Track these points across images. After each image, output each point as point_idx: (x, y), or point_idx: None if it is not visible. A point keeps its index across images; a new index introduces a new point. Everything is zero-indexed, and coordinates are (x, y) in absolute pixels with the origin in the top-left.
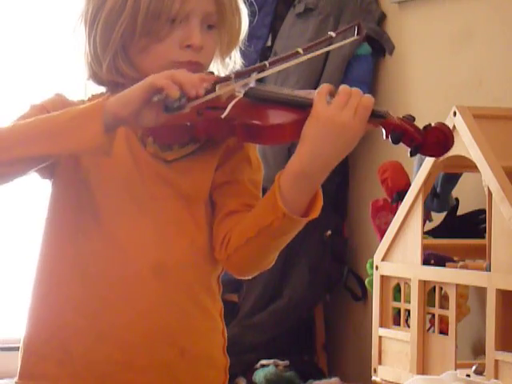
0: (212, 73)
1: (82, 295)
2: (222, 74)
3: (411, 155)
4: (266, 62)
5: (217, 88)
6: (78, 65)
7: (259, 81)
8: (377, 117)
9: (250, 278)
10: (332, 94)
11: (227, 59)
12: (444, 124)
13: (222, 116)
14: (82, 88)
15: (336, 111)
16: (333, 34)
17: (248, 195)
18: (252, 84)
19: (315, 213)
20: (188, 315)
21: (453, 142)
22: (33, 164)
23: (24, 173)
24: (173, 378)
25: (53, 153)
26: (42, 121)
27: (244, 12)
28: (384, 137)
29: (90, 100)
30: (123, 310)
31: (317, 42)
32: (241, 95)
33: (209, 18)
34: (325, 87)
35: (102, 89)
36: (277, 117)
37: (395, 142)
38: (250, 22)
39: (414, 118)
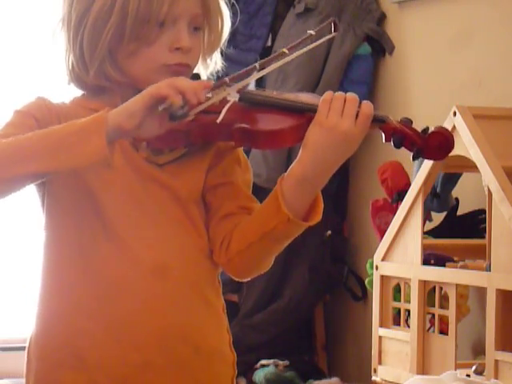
0: (198, 75)
1: (92, 299)
2: (204, 76)
3: (414, 159)
4: (257, 64)
5: (215, 93)
6: (58, 68)
7: (257, 85)
8: (377, 121)
9: (247, 280)
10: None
11: (208, 60)
12: (444, 127)
13: (218, 121)
14: (62, 90)
15: (338, 119)
16: (312, 32)
17: (243, 197)
18: (247, 88)
19: (317, 216)
20: (197, 312)
21: (453, 144)
22: (33, 179)
23: (23, 188)
24: (190, 375)
25: (55, 169)
26: (42, 136)
27: (226, 14)
28: (384, 140)
29: (71, 103)
30: (134, 311)
31: (299, 42)
32: (235, 99)
33: (195, 20)
34: (329, 94)
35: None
36: (275, 122)
37: (397, 146)
38: (233, 24)
39: (411, 121)
